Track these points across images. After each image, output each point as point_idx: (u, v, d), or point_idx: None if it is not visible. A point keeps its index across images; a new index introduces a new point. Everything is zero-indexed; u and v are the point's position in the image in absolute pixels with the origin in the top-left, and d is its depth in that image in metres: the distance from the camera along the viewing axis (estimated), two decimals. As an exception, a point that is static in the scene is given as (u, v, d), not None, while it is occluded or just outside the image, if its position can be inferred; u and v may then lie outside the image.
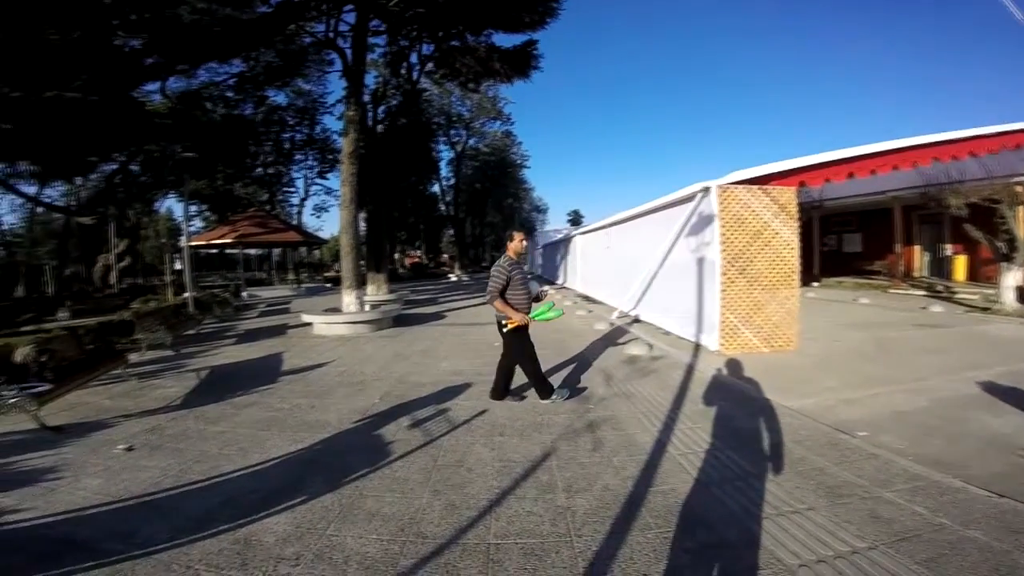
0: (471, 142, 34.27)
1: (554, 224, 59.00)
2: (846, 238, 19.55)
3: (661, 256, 8.34)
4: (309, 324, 9.48)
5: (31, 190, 25.32)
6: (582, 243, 17.25)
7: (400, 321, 10.23)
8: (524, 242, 4.61)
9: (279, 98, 27.81)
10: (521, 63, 12.50)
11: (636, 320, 9.47)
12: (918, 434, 3.73)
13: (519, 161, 39.38)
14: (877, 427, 3.88)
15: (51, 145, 12.26)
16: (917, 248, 16.81)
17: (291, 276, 26.02)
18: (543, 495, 2.98)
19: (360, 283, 9.73)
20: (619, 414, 4.38)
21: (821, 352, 6.63)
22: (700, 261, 7.13)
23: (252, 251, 37.57)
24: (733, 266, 6.64)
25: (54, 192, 30.35)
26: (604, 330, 8.54)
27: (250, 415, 4.57)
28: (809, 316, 6.88)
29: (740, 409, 4.47)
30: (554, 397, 4.70)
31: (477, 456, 3.53)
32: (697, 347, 6.97)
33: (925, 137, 7.59)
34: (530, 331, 4.62)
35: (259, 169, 32.31)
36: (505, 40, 12.90)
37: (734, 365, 5.92)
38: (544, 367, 6.24)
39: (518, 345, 4.55)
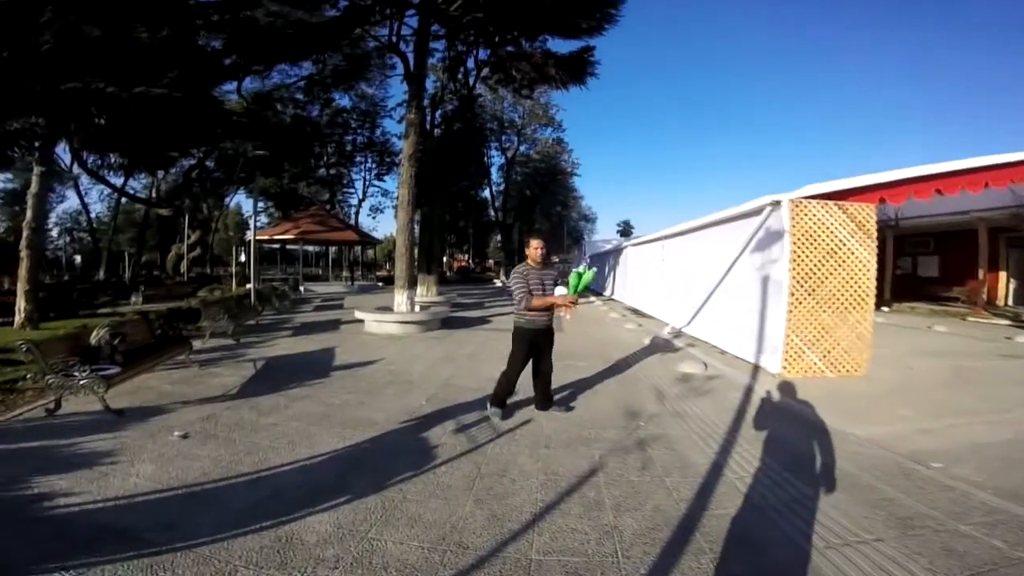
0: (522, 148, 34.43)
1: (603, 234, 58.33)
2: (921, 261, 18.10)
3: (721, 271, 7.95)
4: (361, 321, 9.70)
5: (117, 182, 27.69)
6: (633, 254, 16.83)
7: (448, 323, 10.28)
8: (540, 249, 4.33)
9: (344, 101, 28.92)
10: (577, 69, 12.38)
11: (690, 337, 9.09)
12: (999, 467, 3.45)
13: (569, 169, 39.14)
14: (954, 459, 3.61)
15: (138, 139, 13.24)
16: (1003, 274, 15.31)
17: (345, 273, 26.90)
18: (589, 512, 2.84)
19: (412, 284, 9.87)
20: (671, 433, 4.15)
21: (893, 379, 6.14)
22: (765, 279, 6.73)
23: (310, 248, 39.22)
24: (802, 286, 6.22)
25: (136, 184, 32.99)
26: (655, 345, 8.23)
27: (301, 408, 4.65)
28: (880, 342, 6.40)
29: (803, 434, 4.17)
30: (492, 410, 4.47)
31: (521, 467, 3.41)
32: (756, 368, 6.59)
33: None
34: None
35: (322, 170, 33.75)
36: (561, 46, 12.83)
37: (797, 389, 5.54)
38: (589, 378, 6.25)
39: (516, 348, 4.38)
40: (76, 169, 25.74)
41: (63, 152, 20.50)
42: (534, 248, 4.33)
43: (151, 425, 4.13)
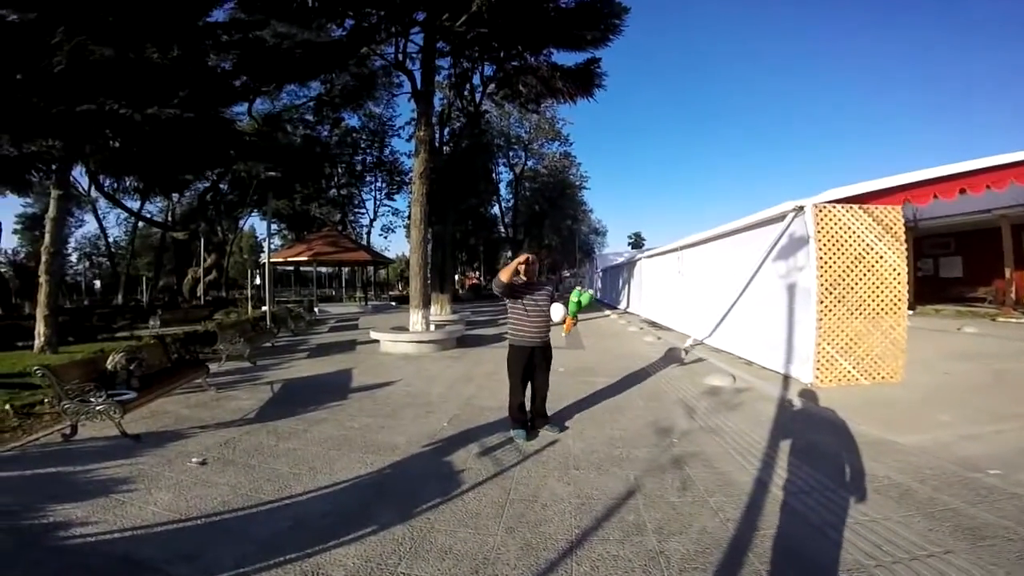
0: (530, 163, 34.56)
1: (614, 247, 58.15)
2: (944, 262, 17.72)
3: (742, 280, 7.75)
4: (376, 341, 9.60)
5: (134, 206, 28.22)
6: (648, 266, 16.63)
7: (463, 342, 10.15)
8: (529, 265, 4.13)
9: (353, 120, 29.25)
10: (584, 81, 12.36)
11: (711, 348, 8.85)
12: (1059, 472, 3.24)
13: (578, 182, 39.14)
14: (1010, 465, 3.44)
15: (152, 161, 13.45)
16: (1030, 272, 14.84)
17: (359, 294, 26.98)
18: (630, 537, 2.67)
19: (427, 303, 9.78)
20: (708, 450, 3.95)
21: (930, 384, 5.93)
22: (791, 287, 6.54)
23: (324, 269, 39.51)
24: (831, 293, 6.01)
25: (152, 208, 33.58)
26: (677, 357, 8.01)
27: (321, 432, 4.53)
28: (910, 346, 6.19)
29: (846, 445, 3.98)
30: (515, 431, 4.31)
31: (552, 491, 3.24)
32: (786, 379, 6.36)
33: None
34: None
35: (333, 190, 34.11)
36: (567, 59, 12.86)
37: (833, 398, 5.34)
38: (612, 394, 6.07)
39: (511, 366, 4.30)
40: (94, 193, 26.33)
41: (80, 176, 21.08)
42: (519, 263, 4.11)
43: (168, 451, 4.03)
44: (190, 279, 23.96)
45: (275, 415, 5.08)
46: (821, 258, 6.00)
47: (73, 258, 50.42)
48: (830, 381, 5.99)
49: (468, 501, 3.12)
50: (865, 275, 6.14)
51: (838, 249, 6.06)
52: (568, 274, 56.35)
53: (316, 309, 19.83)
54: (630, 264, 20.67)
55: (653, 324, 13.92)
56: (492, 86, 16.35)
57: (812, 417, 4.85)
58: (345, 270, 33.92)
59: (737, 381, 6.35)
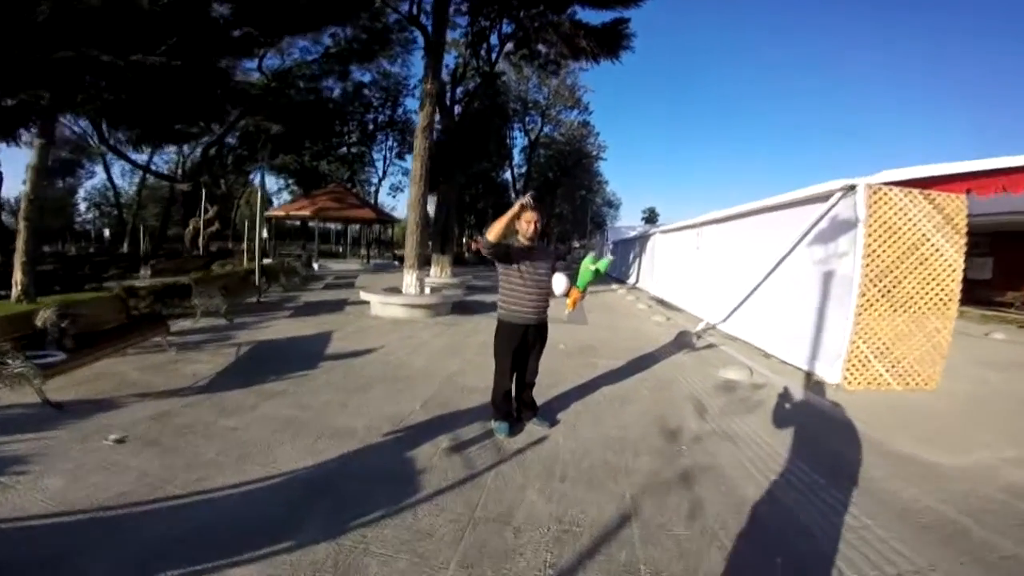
0: (546, 130, 33.16)
1: (627, 221, 56.70)
2: (972, 263, 16.53)
3: (768, 264, 6.95)
4: (367, 302, 8.98)
5: (142, 158, 27.60)
6: (662, 242, 15.76)
7: (460, 308, 9.49)
8: (533, 224, 3.36)
9: (365, 77, 28.10)
10: (610, 41, 11.27)
11: (725, 334, 8.14)
12: None
13: (595, 152, 37.70)
14: None
15: (142, 112, 12.68)
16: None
17: (363, 252, 26.41)
18: (619, 587, 2.03)
19: (423, 264, 9.11)
20: (722, 462, 3.29)
21: (966, 395, 5.30)
22: (827, 275, 5.76)
23: (332, 226, 38.88)
24: (876, 285, 5.23)
25: (161, 160, 33.00)
26: (690, 343, 7.32)
27: (271, 409, 3.92)
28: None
29: (881, 466, 3.36)
30: (496, 424, 3.66)
31: (529, 509, 2.61)
32: (808, 377, 5.69)
33: None
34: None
35: (343, 148, 33.19)
36: (592, 18, 11.70)
37: (862, 404, 4.68)
38: (615, 380, 5.36)
39: (498, 346, 3.62)
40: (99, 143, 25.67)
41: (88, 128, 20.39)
42: (525, 222, 3.36)
43: (90, 424, 3.45)
44: (191, 229, 23.44)
45: (229, 384, 4.49)
46: (869, 245, 5.20)
47: (82, 207, 50.34)
48: (859, 384, 5.30)
49: (421, 516, 2.50)
50: (916, 268, 5.35)
51: (890, 236, 5.25)
52: (578, 244, 55.38)
53: (316, 265, 19.28)
54: (643, 239, 19.78)
55: (663, 303, 13.18)
56: (510, 45, 15.26)
57: (840, 427, 4.18)
58: (354, 228, 33.15)
59: (754, 375, 5.65)
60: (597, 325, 8.75)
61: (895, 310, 5.32)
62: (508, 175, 35.96)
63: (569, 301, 3.50)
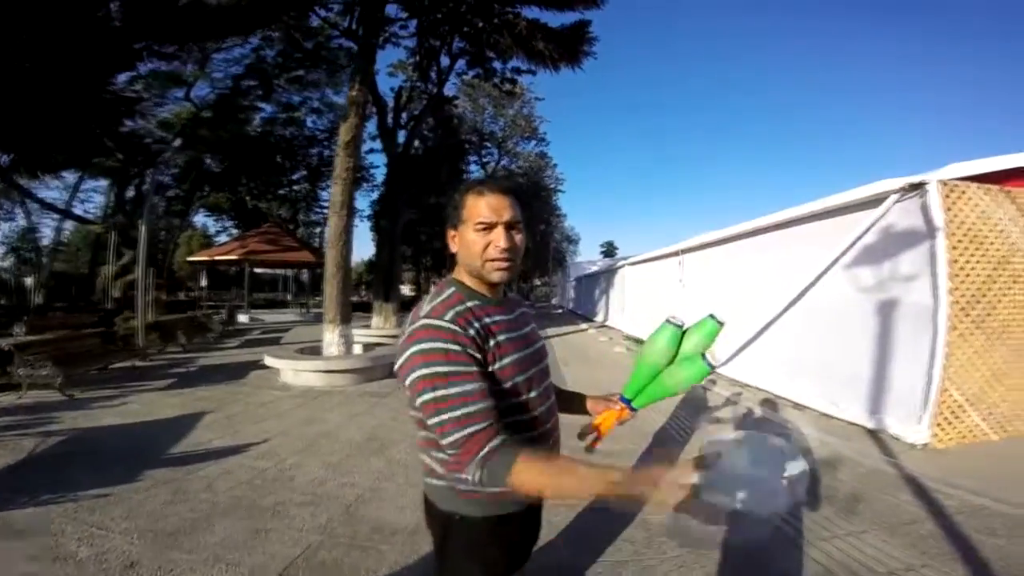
0: (503, 162, 32.11)
1: (586, 255, 56.05)
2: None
3: (788, 293, 5.44)
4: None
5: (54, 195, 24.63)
6: (632, 275, 14.39)
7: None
8: (512, 239, 1.06)
9: (305, 107, 26.43)
10: (571, 45, 9.99)
11: (730, 380, 6.53)
12: None
13: (553, 185, 36.91)
14: None
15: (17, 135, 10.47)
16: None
17: (303, 299, 23.98)
18: None
19: (346, 318, 7.09)
20: None
21: None
22: (886, 304, 4.25)
23: (283, 271, 36.07)
24: (968, 314, 3.75)
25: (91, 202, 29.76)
26: (696, 397, 5.63)
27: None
28: None
29: None
30: None
31: None
32: (873, 434, 4.13)
33: None
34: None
35: (285, 187, 31.12)
36: (550, 21, 10.51)
37: (971, 469, 3.31)
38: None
39: None
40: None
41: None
42: (485, 233, 1.05)
43: None
44: (103, 277, 20.55)
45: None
46: (955, 261, 3.72)
47: (-1, 252, 45.55)
48: (950, 439, 3.83)
49: None
50: (1010, 288, 3.92)
51: (977, 249, 3.81)
52: (539, 283, 54.08)
53: (245, 317, 16.80)
54: (609, 273, 18.47)
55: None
56: (462, 63, 13.97)
57: (981, 511, 2.62)
58: (305, 273, 30.49)
59: (810, 443, 3.99)
60: (576, 382, 6.97)
61: (991, 343, 3.85)
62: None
63: (598, 431, 1.24)
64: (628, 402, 1.18)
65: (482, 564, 1.06)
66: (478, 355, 0.96)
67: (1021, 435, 3.98)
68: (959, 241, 3.74)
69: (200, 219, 41.09)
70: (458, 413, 0.89)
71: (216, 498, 3.06)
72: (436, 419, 0.91)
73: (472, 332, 0.97)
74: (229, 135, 22.78)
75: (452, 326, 0.95)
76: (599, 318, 18.86)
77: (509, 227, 1.04)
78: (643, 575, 2.30)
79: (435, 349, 0.93)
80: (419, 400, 0.93)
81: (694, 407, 5.38)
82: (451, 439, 0.90)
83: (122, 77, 14.32)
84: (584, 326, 16.83)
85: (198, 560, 2.38)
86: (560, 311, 28.95)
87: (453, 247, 1.11)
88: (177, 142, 20.27)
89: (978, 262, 3.77)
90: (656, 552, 2.48)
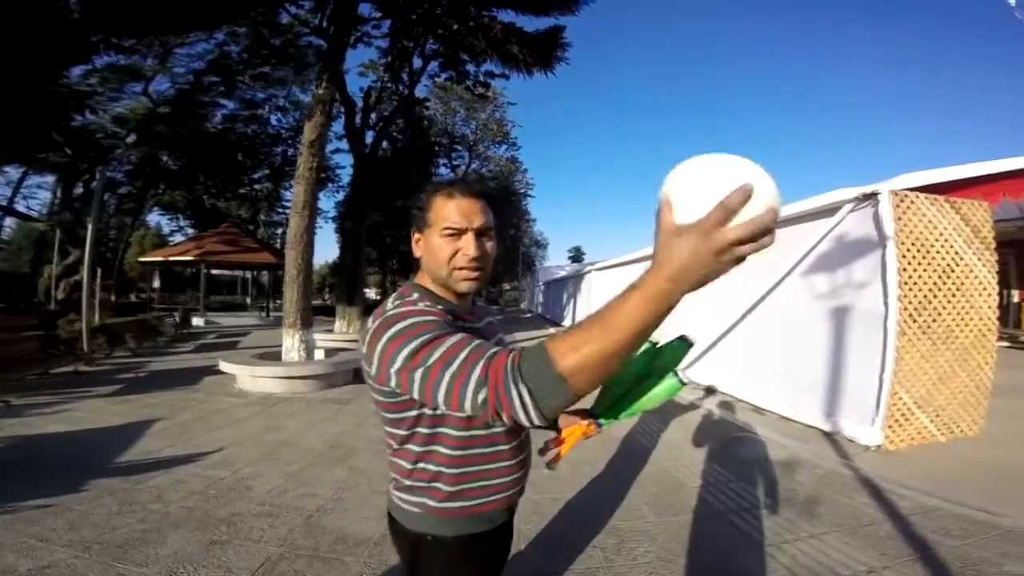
0: (474, 166, 32.06)
1: (555, 260, 56.49)
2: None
3: (746, 300, 5.61)
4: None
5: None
6: (599, 280, 14.58)
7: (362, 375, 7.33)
8: (480, 245, 0.99)
9: (271, 105, 25.78)
10: (545, 50, 10.09)
11: (692, 384, 6.66)
12: None
13: (523, 190, 37.06)
14: None
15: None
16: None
17: (263, 303, 23.22)
18: None
19: (307, 322, 6.86)
20: None
21: (1017, 436, 4.24)
22: (841, 311, 4.42)
23: (242, 273, 34.85)
24: (916, 320, 3.93)
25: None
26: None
27: None
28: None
29: None
30: None
31: None
32: (829, 437, 4.30)
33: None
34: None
35: (246, 186, 30.13)
36: (525, 25, 10.56)
37: (924, 470, 3.45)
38: (603, 480, 3.12)
39: None
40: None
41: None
42: (454, 239, 0.98)
43: None
44: (46, 277, 19.37)
45: None
46: (904, 269, 3.90)
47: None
48: (902, 441, 3.99)
49: None
50: (955, 296, 4.14)
51: (924, 258, 4.01)
52: (508, 287, 54.14)
53: (200, 320, 16.13)
54: (577, 278, 18.66)
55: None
56: (435, 65, 13.89)
57: (934, 512, 2.78)
58: (266, 275, 29.45)
59: (772, 446, 4.11)
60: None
61: (937, 348, 4.07)
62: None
63: (560, 448, 1.14)
64: (595, 417, 1.14)
65: None
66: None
67: (966, 436, 4.19)
68: (908, 250, 3.92)
69: (154, 218, 39.51)
70: (458, 362, 0.75)
71: (168, 509, 2.90)
72: (442, 390, 0.76)
73: (448, 318, 0.90)
74: (187, 132, 21.94)
75: (424, 306, 0.91)
76: (567, 323, 19.02)
77: (479, 234, 0.97)
78: (612, 581, 2.29)
79: (411, 324, 0.84)
80: (413, 385, 0.80)
81: (660, 410, 5.46)
82: (468, 393, 0.73)
83: (76, 70, 13.66)
84: (552, 331, 16.89)
85: (150, 573, 2.25)
86: (529, 315, 29.07)
87: (417, 251, 1.04)
88: (131, 138, 19.45)
89: (924, 270, 3.97)
90: (627, 558, 2.48)
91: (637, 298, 0.61)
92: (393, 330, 0.84)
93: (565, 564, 2.41)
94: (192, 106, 21.34)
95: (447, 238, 0.96)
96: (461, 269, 0.96)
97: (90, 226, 8.64)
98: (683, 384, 1.01)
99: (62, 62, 10.76)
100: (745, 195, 0.53)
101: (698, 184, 0.57)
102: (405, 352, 0.80)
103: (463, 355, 0.76)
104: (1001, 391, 4.56)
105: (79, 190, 22.21)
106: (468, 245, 0.95)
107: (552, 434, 1.14)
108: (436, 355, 0.77)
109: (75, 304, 18.73)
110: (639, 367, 1.05)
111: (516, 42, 9.73)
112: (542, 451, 1.14)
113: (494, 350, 0.76)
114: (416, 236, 1.04)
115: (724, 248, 0.55)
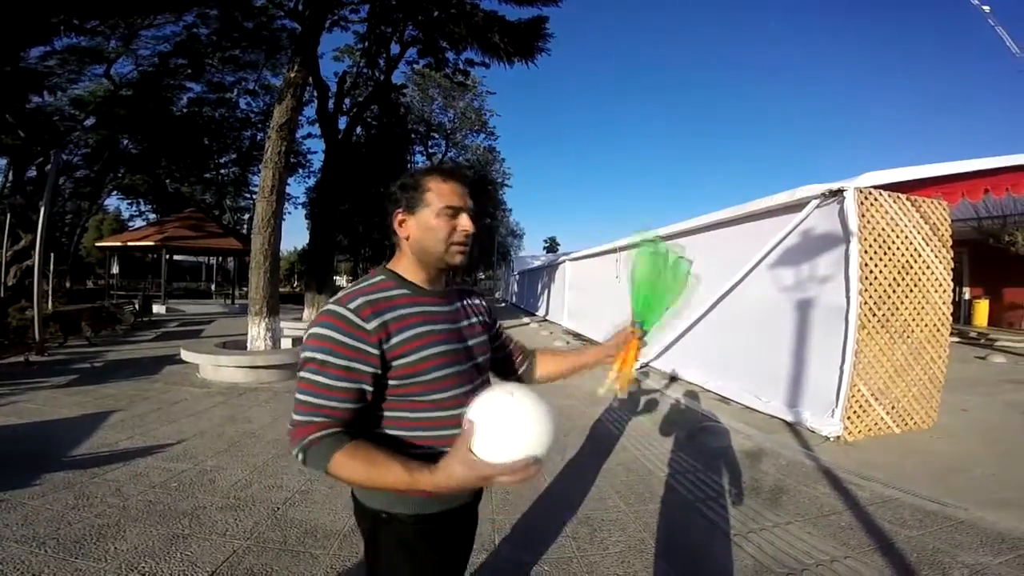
0: (450, 154, 31.72)
1: (530, 250, 56.69)
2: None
3: (713, 292, 5.72)
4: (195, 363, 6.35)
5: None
6: (573, 270, 14.65)
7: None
8: (464, 228, 1.07)
9: (227, 79, 24.77)
10: (527, 40, 9.96)
11: (661, 373, 6.78)
12: None
13: (500, 179, 36.87)
14: None
15: None
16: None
17: (228, 290, 22.56)
18: None
19: (274, 309, 6.69)
20: None
21: (966, 428, 4.50)
22: (805, 303, 4.55)
23: (209, 259, 33.74)
24: (875, 314, 4.08)
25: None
26: (628, 390, 5.81)
27: None
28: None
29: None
30: None
31: None
32: (791, 428, 4.43)
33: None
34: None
35: (212, 171, 29.08)
36: (508, 14, 10.43)
37: (882, 462, 3.62)
38: (570, 469, 3.17)
39: None
40: None
41: None
42: (451, 217, 1.05)
43: None
44: (-4, 263, 18.30)
45: None
46: (866, 264, 4.04)
47: None
48: (860, 432, 4.17)
49: None
50: (912, 291, 4.31)
51: (885, 254, 4.16)
52: (483, 276, 53.98)
53: (162, 307, 15.54)
54: (551, 267, 18.70)
55: (579, 336, 11.88)
56: (413, 52, 13.61)
57: (891, 502, 2.91)
58: (232, 262, 28.49)
59: (737, 436, 4.20)
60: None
61: (894, 341, 4.24)
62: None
63: (618, 375, 1.30)
64: (639, 326, 1.26)
65: (411, 564, 1.03)
66: (372, 350, 0.94)
67: (919, 428, 4.41)
68: (870, 245, 4.06)
69: (113, 202, 37.82)
70: (309, 399, 0.92)
71: (126, 503, 2.79)
72: (297, 395, 0.94)
73: (375, 324, 0.95)
74: (150, 115, 21.02)
75: (353, 316, 0.94)
76: (540, 312, 19.08)
77: (470, 214, 1.08)
78: (587, 572, 2.30)
79: (325, 336, 0.94)
80: (298, 375, 0.96)
81: (629, 400, 5.54)
82: (293, 418, 0.93)
83: (35, 51, 12.91)
84: (526, 320, 16.98)
85: (109, 569, 2.16)
86: (503, 304, 29.04)
87: (403, 232, 1.07)
88: (90, 121, 18.53)
89: (885, 266, 4.12)
90: (599, 548, 2.51)
91: (405, 478, 0.84)
92: (315, 331, 0.96)
93: (538, 554, 2.42)
94: (156, 89, 20.45)
95: (445, 216, 1.03)
96: (459, 244, 1.05)
97: (43, 210, 8.14)
98: (690, 262, 1.26)
99: (19, 44, 10.11)
100: (523, 469, 0.79)
101: (496, 430, 0.79)
102: (307, 354, 0.95)
103: (315, 400, 0.92)
104: (951, 385, 4.81)
105: (32, 173, 21.08)
106: (466, 222, 1.05)
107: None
108: (313, 378, 0.93)
109: (26, 291, 17.84)
110: (652, 265, 1.26)
111: (498, 31, 9.59)
112: (606, 388, 1.28)
113: (322, 419, 0.92)
114: (401, 217, 1.07)
115: (489, 483, 0.82)
